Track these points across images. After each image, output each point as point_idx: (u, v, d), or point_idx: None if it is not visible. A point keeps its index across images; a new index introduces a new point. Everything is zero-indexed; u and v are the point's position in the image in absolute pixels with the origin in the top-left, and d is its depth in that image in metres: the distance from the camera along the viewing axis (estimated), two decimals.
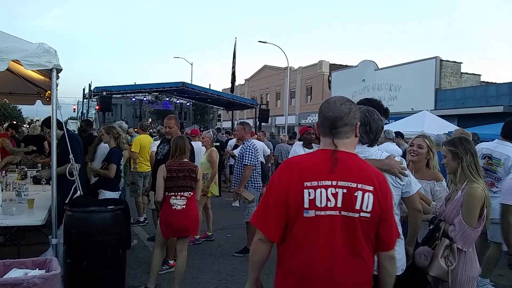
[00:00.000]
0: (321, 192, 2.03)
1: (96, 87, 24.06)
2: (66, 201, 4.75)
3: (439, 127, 13.15)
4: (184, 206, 4.86)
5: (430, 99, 25.59)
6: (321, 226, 2.03)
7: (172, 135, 5.93)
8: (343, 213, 2.04)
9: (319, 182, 2.04)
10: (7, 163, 6.77)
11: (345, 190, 2.04)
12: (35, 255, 4.11)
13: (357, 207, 2.04)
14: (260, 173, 6.90)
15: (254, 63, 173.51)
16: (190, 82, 30.44)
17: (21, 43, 4.24)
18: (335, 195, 2.04)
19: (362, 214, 2.04)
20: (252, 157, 6.50)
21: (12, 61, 4.10)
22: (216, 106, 35.25)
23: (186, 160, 5.04)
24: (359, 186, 2.05)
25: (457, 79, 26.74)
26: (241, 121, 7.61)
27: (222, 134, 16.50)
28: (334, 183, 2.04)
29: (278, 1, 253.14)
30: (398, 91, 28.48)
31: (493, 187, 4.89)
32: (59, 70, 4.35)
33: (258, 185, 6.76)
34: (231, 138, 13.40)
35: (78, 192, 5.04)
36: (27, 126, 29.00)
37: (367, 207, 2.05)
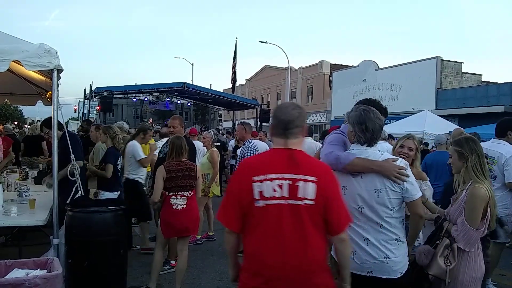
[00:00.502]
0: (267, 184, 2.35)
1: (97, 88, 24.09)
2: (68, 201, 4.75)
3: (440, 127, 13.16)
4: (185, 206, 4.86)
5: (431, 99, 25.57)
6: (270, 214, 2.35)
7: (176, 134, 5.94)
8: (289, 201, 2.35)
9: (266, 175, 2.36)
10: (8, 163, 6.80)
11: (289, 182, 2.35)
12: (37, 256, 4.11)
13: (300, 195, 2.34)
14: None
15: (255, 63, 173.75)
16: (191, 83, 30.49)
17: (22, 43, 4.24)
18: (280, 186, 2.35)
19: (306, 201, 2.34)
20: None
21: (13, 61, 4.11)
22: (217, 106, 35.29)
23: (184, 159, 5.04)
24: (302, 177, 2.36)
25: (458, 79, 26.71)
26: (242, 121, 7.58)
27: (222, 134, 16.50)
28: (279, 176, 2.36)
29: (279, 2, 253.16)
30: (399, 91, 28.46)
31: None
32: (60, 71, 4.35)
33: None
34: (232, 139, 13.41)
35: (79, 192, 5.05)
36: (28, 126, 29.01)
37: (310, 195, 2.34)
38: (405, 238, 2.90)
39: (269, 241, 2.36)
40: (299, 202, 2.34)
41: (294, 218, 2.34)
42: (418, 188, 2.88)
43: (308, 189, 2.34)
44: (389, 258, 2.79)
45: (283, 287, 2.36)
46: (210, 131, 8.43)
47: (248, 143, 6.47)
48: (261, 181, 2.36)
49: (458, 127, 7.05)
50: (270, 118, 30.17)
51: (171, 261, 5.81)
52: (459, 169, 3.33)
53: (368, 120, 2.84)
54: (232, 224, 2.47)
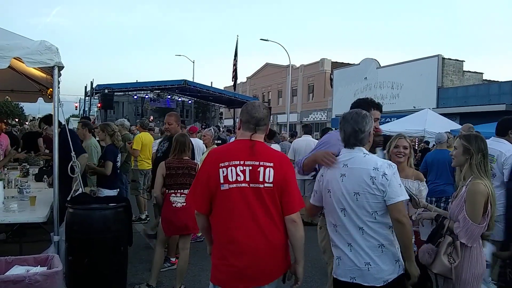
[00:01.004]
0: (231, 169, 2.68)
1: (98, 85, 24.07)
2: (68, 199, 4.75)
3: (441, 126, 13.12)
4: (184, 204, 4.85)
5: (432, 97, 25.53)
6: (234, 196, 2.68)
7: (171, 132, 5.96)
8: (251, 185, 2.68)
9: (230, 162, 2.70)
10: (9, 159, 6.82)
11: (250, 167, 2.69)
12: (37, 252, 4.11)
13: (261, 179, 2.69)
14: None
15: (256, 61, 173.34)
16: (192, 80, 30.39)
17: (23, 40, 4.24)
18: (243, 172, 2.69)
19: (266, 184, 2.69)
20: None
21: (14, 58, 4.11)
22: (217, 104, 35.27)
23: (186, 157, 5.03)
24: (261, 163, 2.70)
25: (459, 77, 26.68)
26: None
27: (223, 132, 16.50)
28: (242, 162, 2.70)
29: None
30: (400, 89, 28.43)
31: None
32: (60, 68, 4.35)
33: None
34: (233, 136, 13.40)
35: (80, 189, 5.05)
36: (29, 123, 29.02)
37: (269, 179, 2.69)
38: (393, 245, 2.77)
39: (233, 221, 2.69)
40: (260, 185, 2.69)
41: (256, 200, 2.68)
42: (400, 192, 2.71)
43: (268, 174, 2.70)
44: (370, 265, 2.73)
45: (246, 258, 2.67)
46: (211, 129, 8.42)
47: None
48: (225, 167, 2.70)
49: (460, 125, 7.03)
50: (271, 117, 30.32)
51: (171, 258, 5.82)
52: (459, 163, 3.35)
53: (344, 122, 2.94)
54: (199, 207, 2.81)
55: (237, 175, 2.68)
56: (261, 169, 2.70)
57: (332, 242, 2.97)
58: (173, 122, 6.02)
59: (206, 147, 7.54)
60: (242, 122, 2.85)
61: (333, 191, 2.85)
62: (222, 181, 2.69)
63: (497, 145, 5.14)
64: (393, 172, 2.73)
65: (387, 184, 2.69)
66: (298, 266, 2.83)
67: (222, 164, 2.71)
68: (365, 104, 3.66)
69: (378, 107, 3.79)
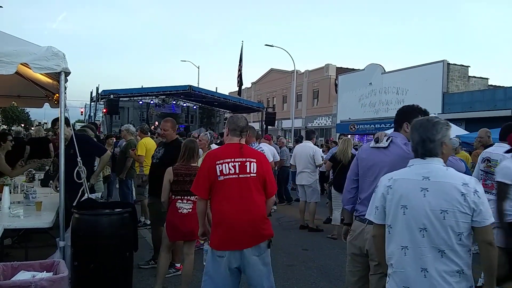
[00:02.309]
0: (225, 165, 3.62)
1: (103, 90, 24.16)
2: (74, 204, 4.76)
3: None
4: (190, 210, 4.84)
5: (438, 103, 25.47)
6: (228, 185, 3.60)
7: (167, 138, 6.01)
8: (240, 176, 3.62)
9: (223, 160, 3.64)
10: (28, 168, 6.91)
11: (239, 163, 3.65)
12: (43, 258, 4.12)
13: (248, 171, 3.65)
14: None
15: (261, 67, 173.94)
16: (196, 86, 30.46)
17: (30, 46, 4.26)
18: (234, 167, 3.63)
19: (251, 174, 3.65)
20: None
21: (21, 64, 4.12)
22: (222, 109, 35.29)
23: (194, 164, 5.02)
24: (247, 159, 3.68)
25: (464, 82, 26.62)
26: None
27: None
28: (232, 160, 3.64)
29: (284, 5, 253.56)
30: (405, 95, 28.37)
31: (493, 189, 4.89)
32: (67, 74, 4.37)
33: None
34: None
35: (86, 194, 5.06)
36: (34, 129, 29.17)
37: (253, 170, 3.66)
38: (470, 270, 2.49)
39: (228, 202, 3.58)
40: (247, 175, 3.64)
41: (244, 187, 3.62)
42: (491, 212, 2.50)
43: (252, 167, 3.66)
44: None
45: (237, 232, 3.53)
46: (207, 133, 8.42)
47: (253, 146, 6.46)
48: (221, 163, 3.62)
49: (483, 128, 6.91)
50: (276, 122, 30.35)
51: (176, 264, 5.81)
52: None
53: (412, 130, 2.71)
54: (202, 194, 3.68)
55: (229, 169, 3.62)
56: (247, 163, 3.67)
57: (393, 267, 2.59)
58: (169, 128, 6.00)
59: (202, 151, 7.38)
60: (230, 130, 3.78)
61: (411, 207, 2.50)
62: (219, 174, 3.60)
63: (500, 150, 5.16)
64: (483, 190, 2.52)
65: (480, 203, 2.42)
66: None
67: (218, 162, 3.63)
68: (411, 111, 3.51)
69: (426, 113, 3.52)
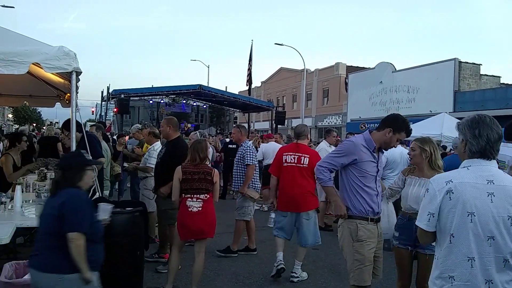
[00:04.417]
0: (288, 156, 5.67)
1: (114, 90, 24.28)
2: None
3: None
4: (200, 209, 4.85)
5: (449, 101, 25.30)
6: (289, 169, 5.63)
7: (163, 135, 6.24)
8: (297, 165, 5.59)
9: (288, 153, 5.72)
10: (27, 171, 6.87)
11: (297, 156, 5.61)
12: None
13: (302, 163, 5.58)
14: (259, 174, 7.28)
15: (271, 66, 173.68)
16: (206, 85, 30.54)
17: (41, 46, 4.29)
18: (293, 158, 5.63)
19: (304, 165, 5.56)
20: (253, 157, 6.76)
21: (33, 64, 4.16)
22: (232, 109, 35.28)
23: (203, 163, 5.02)
24: (303, 155, 5.62)
25: (476, 81, 26.41)
26: (237, 124, 7.93)
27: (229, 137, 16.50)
28: (293, 153, 5.66)
29: (294, 4, 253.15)
30: (416, 93, 28.22)
31: None
32: (78, 73, 4.40)
33: (257, 185, 6.98)
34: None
35: (97, 193, 5.08)
36: (46, 128, 29.43)
37: (306, 163, 5.56)
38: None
39: (287, 181, 5.64)
40: (301, 165, 5.61)
41: (299, 172, 5.59)
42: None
43: (305, 160, 5.60)
44: None
45: (294, 201, 5.57)
46: (196, 133, 8.49)
47: (245, 144, 6.85)
48: (286, 155, 5.73)
49: None
50: (286, 121, 30.33)
51: (163, 254, 6.00)
52: None
53: (484, 125, 2.39)
54: (275, 173, 5.84)
55: (292, 159, 5.67)
56: (302, 157, 5.63)
57: (454, 280, 2.33)
58: (164, 125, 6.13)
59: None
60: (292, 135, 5.67)
61: (480, 214, 2.28)
62: (284, 161, 5.72)
63: (507, 151, 4.95)
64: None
65: None
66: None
67: (285, 154, 5.78)
68: (401, 122, 4.01)
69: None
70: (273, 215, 6.76)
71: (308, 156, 5.57)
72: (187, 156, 5.05)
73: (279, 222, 5.75)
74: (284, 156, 5.67)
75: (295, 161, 5.59)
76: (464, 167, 2.42)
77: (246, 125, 35.09)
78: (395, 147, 4.32)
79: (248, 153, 6.67)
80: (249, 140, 7.66)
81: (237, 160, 6.91)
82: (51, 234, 3.07)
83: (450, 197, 2.32)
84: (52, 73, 4.81)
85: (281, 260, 5.60)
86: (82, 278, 3.00)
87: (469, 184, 2.32)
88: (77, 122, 4.79)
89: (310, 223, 5.59)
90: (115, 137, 12.39)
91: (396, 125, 3.87)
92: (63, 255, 2.96)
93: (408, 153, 4.55)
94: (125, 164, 8.53)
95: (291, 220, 5.61)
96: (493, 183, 2.31)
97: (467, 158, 2.43)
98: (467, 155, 2.42)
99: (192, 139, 7.71)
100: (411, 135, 4.12)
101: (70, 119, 5.58)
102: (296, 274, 5.65)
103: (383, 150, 4.07)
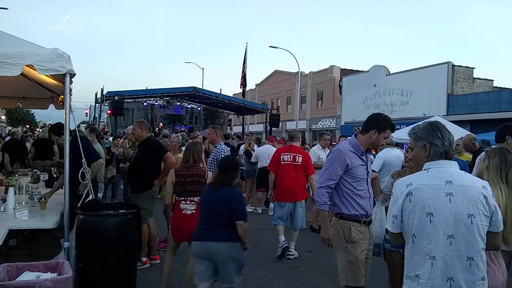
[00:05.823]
0: (285, 156, 6.89)
1: (108, 92, 24.24)
2: (78, 205, 4.77)
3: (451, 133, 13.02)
4: (194, 211, 4.83)
5: (442, 105, 25.42)
6: (286, 167, 6.84)
7: (135, 137, 6.44)
8: (292, 163, 6.83)
9: (284, 153, 6.97)
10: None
11: (293, 156, 6.85)
12: (47, 258, 4.14)
13: (296, 161, 6.83)
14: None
15: (265, 68, 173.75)
16: (201, 87, 30.54)
17: (35, 48, 4.28)
18: (290, 157, 6.86)
19: (298, 163, 6.82)
20: None
21: (26, 66, 4.14)
22: (226, 111, 35.36)
23: (196, 166, 5.03)
24: (297, 154, 6.88)
25: (469, 84, 26.54)
26: (213, 125, 7.68)
27: (232, 138, 16.53)
28: (288, 153, 6.91)
29: (289, 7, 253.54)
30: (409, 96, 28.34)
31: None
32: (72, 75, 4.39)
33: None
34: (242, 143, 13.38)
35: (90, 195, 5.07)
36: (40, 130, 29.26)
37: (299, 161, 6.83)
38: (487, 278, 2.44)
39: (285, 176, 6.77)
40: (296, 163, 6.79)
41: (294, 169, 6.78)
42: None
43: (299, 159, 6.80)
44: None
45: (290, 193, 6.77)
46: (178, 135, 8.41)
47: (220, 146, 6.53)
48: (283, 155, 6.89)
49: (469, 133, 7.13)
50: (280, 124, 30.41)
51: (142, 258, 5.95)
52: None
53: (443, 128, 2.57)
54: (273, 170, 6.93)
55: (288, 158, 6.79)
56: (297, 157, 6.78)
57: (419, 278, 2.39)
58: (136, 127, 6.20)
59: (173, 152, 7.15)
60: (287, 138, 7.14)
61: (438, 214, 2.35)
62: (281, 160, 6.81)
63: None
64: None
65: (497, 207, 2.41)
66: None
67: (282, 154, 6.90)
68: (383, 121, 4.05)
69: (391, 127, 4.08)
70: (272, 205, 8.62)
71: (301, 155, 6.84)
72: (183, 157, 5.07)
73: (278, 212, 6.92)
74: (281, 156, 6.86)
75: (291, 160, 6.79)
76: (424, 169, 2.51)
77: (240, 127, 35.23)
78: (383, 145, 5.47)
79: (222, 154, 6.27)
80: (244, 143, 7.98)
81: (210, 162, 6.50)
82: (221, 216, 4.05)
83: (410, 199, 2.42)
84: (46, 75, 4.79)
85: (284, 241, 6.68)
86: (243, 247, 4.13)
87: (428, 186, 2.41)
88: (62, 126, 4.75)
89: (301, 211, 6.90)
90: (110, 138, 12.33)
91: (379, 125, 3.94)
92: (232, 230, 4.03)
93: (405, 156, 4.63)
94: (121, 165, 8.52)
95: (288, 208, 6.81)
96: (452, 184, 2.39)
97: (430, 161, 2.52)
98: (431, 157, 2.51)
99: (173, 141, 7.68)
100: (406, 137, 4.15)
101: (58, 123, 5.56)
102: (292, 252, 6.76)
103: (372, 152, 4.30)
